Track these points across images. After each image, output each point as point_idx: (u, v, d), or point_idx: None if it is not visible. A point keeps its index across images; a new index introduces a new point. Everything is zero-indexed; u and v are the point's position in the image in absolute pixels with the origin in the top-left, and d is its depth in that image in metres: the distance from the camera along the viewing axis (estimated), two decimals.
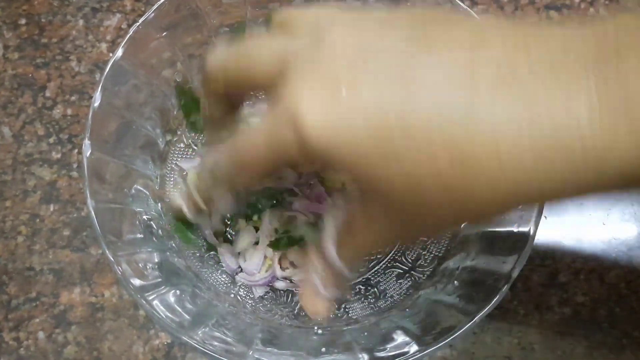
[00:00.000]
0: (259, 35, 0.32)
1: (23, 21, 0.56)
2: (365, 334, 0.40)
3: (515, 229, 0.38)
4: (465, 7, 0.40)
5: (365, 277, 0.46)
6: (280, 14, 0.31)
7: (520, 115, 0.20)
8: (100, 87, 0.37)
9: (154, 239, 0.40)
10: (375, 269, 0.46)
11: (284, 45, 0.27)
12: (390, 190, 0.24)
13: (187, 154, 0.46)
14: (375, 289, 0.45)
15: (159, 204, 0.43)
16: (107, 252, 0.34)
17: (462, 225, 0.31)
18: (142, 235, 0.39)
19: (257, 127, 0.27)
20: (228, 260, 0.44)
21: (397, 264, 0.46)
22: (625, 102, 0.19)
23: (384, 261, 0.46)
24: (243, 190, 0.32)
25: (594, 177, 0.20)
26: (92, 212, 0.34)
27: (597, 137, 0.20)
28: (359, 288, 0.45)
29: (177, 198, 0.37)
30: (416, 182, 0.23)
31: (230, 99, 0.33)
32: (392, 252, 0.46)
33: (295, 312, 0.44)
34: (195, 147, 0.47)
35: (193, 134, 0.46)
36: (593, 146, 0.20)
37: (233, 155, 0.29)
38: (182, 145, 0.46)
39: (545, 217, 0.50)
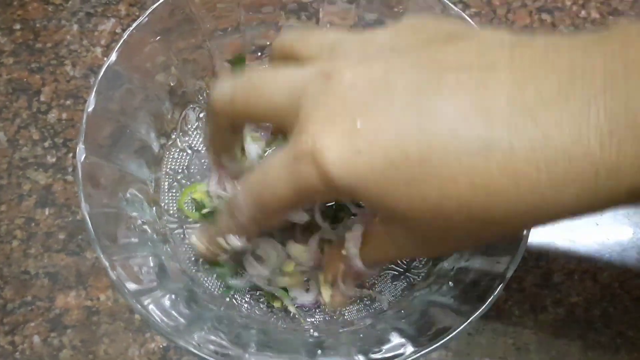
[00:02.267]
0: (264, 69, 0.32)
1: (18, 26, 0.56)
2: (361, 335, 0.40)
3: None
4: (457, 10, 0.40)
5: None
6: (281, 41, 0.32)
7: (535, 144, 0.21)
8: (94, 92, 0.37)
9: (149, 243, 0.40)
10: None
11: (291, 78, 0.28)
12: (412, 217, 0.25)
13: (182, 158, 0.47)
14: (371, 291, 0.45)
15: (154, 208, 0.43)
16: (102, 256, 0.34)
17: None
18: (137, 240, 0.39)
19: (273, 165, 0.27)
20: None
21: (392, 265, 0.46)
22: (632, 126, 0.20)
23: None
24: (266, 229, 0.33)
25: (605, 197, 0.21)
26: (87, 217, 0.34)
27: (606, 161, 0.20)
28: (354, 291, 0.45)
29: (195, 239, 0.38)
30: (437, 208, 0.24)
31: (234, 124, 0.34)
32: None
33: (291, 315, 0.44)
34: (189, 151, 0.47)
35: (187, 138, 0.47)
36: (603, 170, 0.21)
37: (254, 196, 0.29)
38: (176, 149, 0.46)
39: None
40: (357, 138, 0.24)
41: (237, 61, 0.40)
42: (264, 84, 0.28)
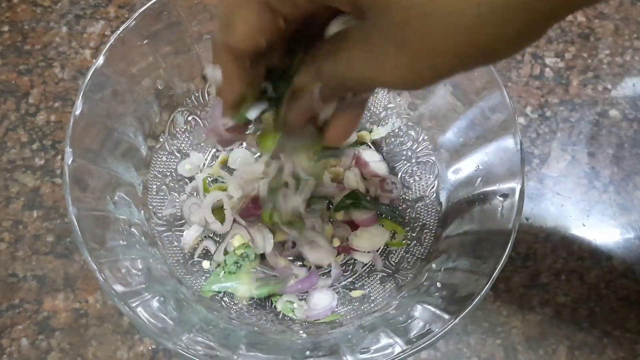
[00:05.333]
0: None
1: (6, 28, 0.56)
2: (350, 336, 0.40)
3: (495, 229, 0.38)
4: None
5: (349, 280, 0.46)
6: None
7: None
8: (81, 95, 0.37)
9: (137, 245, 0.40)
10: (359, 273, 0.46)
11: None
12: None
13: (170, 161, 0.46)
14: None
15: (142, 211, 0.43)
16: (89, 259, 0.34)
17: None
18: (125, 242, 0.39)
19: None
20: None
21: (383, 268, 0.46)
22: None
23: (367, 265, 0.47)
24: (251, 46, 0.26)
25: None
26: (74, 220, 0.34)
27: None
28: (343, 292, 0.45)
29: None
30: None
31: None
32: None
33: (280, 316, 0.44)
34: (178, 154, 0.47)
35: (175, 141, 0.47)
36: None
37: None
38: (165, 152, 0.46)
39: (527, 219, 0.50)
40: None
41: None
42: None
